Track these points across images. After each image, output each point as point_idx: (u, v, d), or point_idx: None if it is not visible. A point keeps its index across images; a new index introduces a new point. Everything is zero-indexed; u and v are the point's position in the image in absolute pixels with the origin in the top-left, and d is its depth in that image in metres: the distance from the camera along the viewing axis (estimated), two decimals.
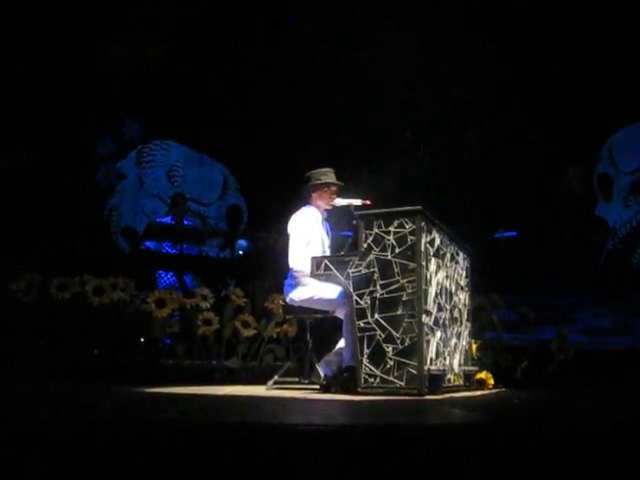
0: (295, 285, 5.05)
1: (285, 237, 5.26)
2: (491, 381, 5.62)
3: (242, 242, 8.06)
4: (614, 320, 8.84)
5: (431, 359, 4.53)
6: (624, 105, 9.13)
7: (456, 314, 5.34)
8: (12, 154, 8.21)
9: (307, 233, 5.10)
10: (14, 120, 8.54)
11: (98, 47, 9.52)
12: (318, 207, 5.29)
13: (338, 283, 4.64)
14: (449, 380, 4.97)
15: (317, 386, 4.94)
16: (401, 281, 4.41)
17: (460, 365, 5.36)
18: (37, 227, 8.29)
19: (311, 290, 4.94)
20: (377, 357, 4.39)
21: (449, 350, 5.05)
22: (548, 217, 9.38)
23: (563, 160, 9.66)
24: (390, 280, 4.43)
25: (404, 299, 4.39)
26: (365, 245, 4.52)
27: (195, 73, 9.69)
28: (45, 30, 8.90)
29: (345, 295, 4.62)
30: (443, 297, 4.94)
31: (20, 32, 8.71)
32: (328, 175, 5.26)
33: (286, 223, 5.30)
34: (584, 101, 9.01)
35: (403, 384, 4.32)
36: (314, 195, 5.26)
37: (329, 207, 5.28)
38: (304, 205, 5.33)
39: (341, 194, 5.27)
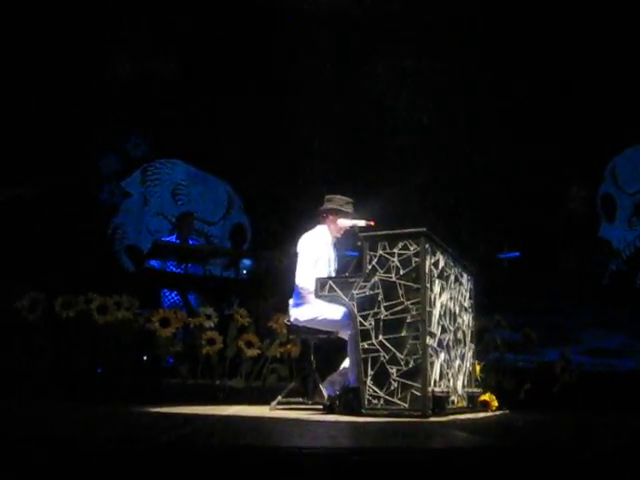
0: (300, 305, 5.06)
1: (291, 257, 5.28)
2: (495, 403, 5.60)
3: (246, 262, 8.07)
4: (618, 341, 8.82)
5: (435, 381, 4.53)
6: (627, 126, 9.16)
7: (460, 335, 5.34)
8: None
9: (316, 252, 5.13)
10: (20, 138, 8.59)
11: (105, 65, 9.58)
12: (330, 230, 5.31)
13: (342, 304, 4.65)
14: (453, 402, 4.96)
15: (321, 407, 4.94)
16: (405, 303, 4.42)
17: (464, 387, 5.35)
18: (42, 245, 8.31)
19: (315, 310, 4.95)
20: (381, 378, 4.40)
21: (453, 372, 5.05)
22: (552, 238, 9.38)
23: (567, 181, 9.68)
24: (394, 302, 4.44)
25: (408, 321, 4.40)
26: (369, 266, 4.54)
27: (201, 92, 9.75)
28: (52, 47, 8.97)
29: (349, 316, 4.63)
30: (447, 319, 4.95)
31: (27, 49, 8.78)
32: (350, 206, 5.30)
33: (290, 243, 5.32)
34: (588, 122, 9.04)
35: (407, 406, 4.32)
36: (331, 218, 5.28)
37: (338, 235, 5.31)
38: (317, 224, 5.36)
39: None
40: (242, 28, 9.66)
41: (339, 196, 5.35)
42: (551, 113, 9.15)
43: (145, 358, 6.23)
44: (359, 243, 4.68)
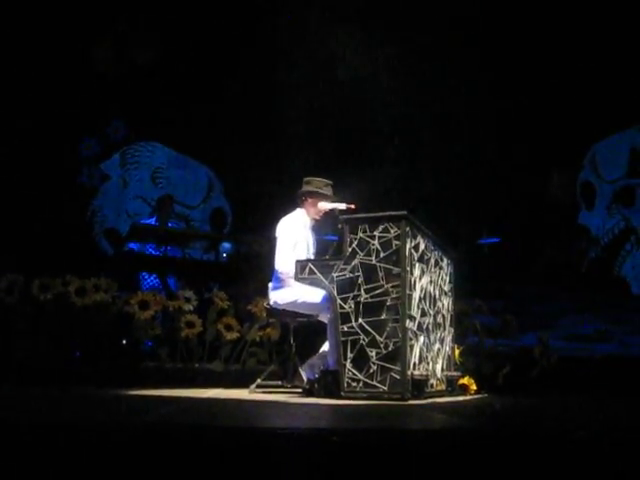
0: (280, 288, 5.04)
1: (271, 240, 5.25)
2: (473, 387, 5.62)
3: (226, 245, 8.03)
4: (596, 327, 8.89)
5: (414, 364, 4.53)
6: (607, 114, 9.18)
7: (439, 319, 5.35)
8: None
9: (295, 236, 5.11)
10: None
11: (85, 48, 9.48)
12: (309, 213, 5.28)
13: (322, 287, 4.63)
14: (432, 385, 4.97)
15: (300, 390, 4.93)
16: (385, 286, 4.41)
17: (443, 370, 5.37)
18: (20, 227, 8.23)
19: (295, 294, 4.93)
20: (360, 361, 4.39)
21: (432, 355, 5.06)
22: (531, 224, 9.41)
23: (547, 168, 9.71)
24: (374, 285, 4.43)
25: (388, 304, 4.39)
26: (350, 249, 4.52)
27: (182, 75, 9.67)
28: (32, 31, 8.86)
29: (329, 299, 4.62)
30: (427, 302, 4.95)
31: (9, 32, 8.67)
32: (329, 188, 5.27)
33: (271, 227, 5.29)
34: (568, 109, 9.06)
35: (386, 389, 4.32)
36: (310, 201, 5.25)
37: (317, 218, 5.28)
38: (296, 207, 5.33)
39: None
40: (225, 13, 9.59)
41: (318, 178, 5.31)
42: (532, 100, 9.16)
43: (124, 341, 6.19)
44: (340, 226, 4.65)
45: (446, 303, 5.62)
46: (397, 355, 4.33)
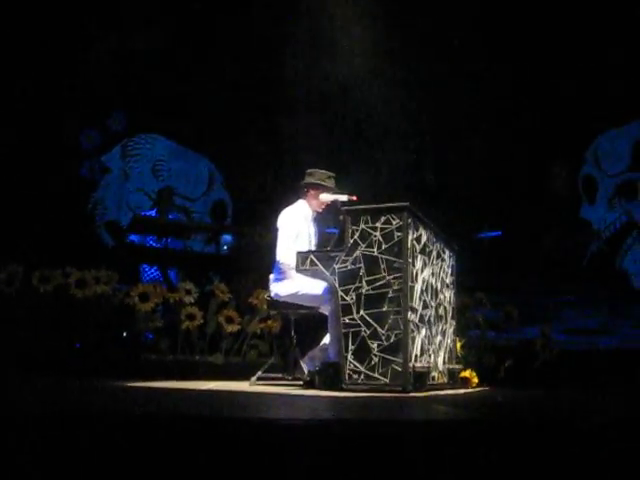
0: (281, 280, 5.02)
1: (272, 232, 5.23)
2: (475, 379, 5.61)
3: (227, 237, 8.02)
4: (597, 321, 8.88)
5: (416, 356, 4.51)
6: (609, 108, 9.16)
7: (441, 312, 5.32)
8: None
9: (296, 227, 5.08)
10: None
11: (86, 39, 9.45)
12: (310, 205, 5.26)
13: (324, 279, 4.61)
14: (433, 378, 4.95)
15: (301, 382, 4.92)
16: (387, 277, 4.39)
17: (444, 363, 5.34)
18: (20, 219, 8.22)
19: (296, 285, 4.91)
20: (362, 353, 4.37)
21: (434, 348, 5.03)
22: (533, 218, 9.40)
23: (548, 162, 9.69)
24: (376, 276, 4.41)
25: (390, 295, 4.37)
26: (351, 241, 4.50)
27: (182, 67, 9.64)
28: (33, 22, 8.83)
29: (330, 291, 4.60)
30: (429, 294, 4.93)
31: (8, 22, 8.63)
32: (332, 180, 5.24)
33: (272, 219, 5.27)
34: (570, 104, 9.03)
35: (387, 381, 4.30)
36: (312, 193, 5.23)
37: (319, 210, 5.26)
38: (298, 198, 5.30)
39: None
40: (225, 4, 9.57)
41: (320, 170, 5.28)
42: (535, 93, 9.13)
43: (124, 333, 6.18)
44: (341, 217, 4.63)
45: (448, 295, 5.60)
46: (399, 347, 4.31)
